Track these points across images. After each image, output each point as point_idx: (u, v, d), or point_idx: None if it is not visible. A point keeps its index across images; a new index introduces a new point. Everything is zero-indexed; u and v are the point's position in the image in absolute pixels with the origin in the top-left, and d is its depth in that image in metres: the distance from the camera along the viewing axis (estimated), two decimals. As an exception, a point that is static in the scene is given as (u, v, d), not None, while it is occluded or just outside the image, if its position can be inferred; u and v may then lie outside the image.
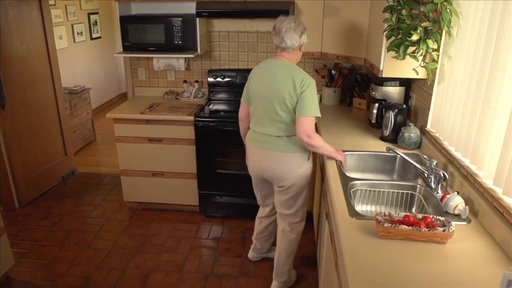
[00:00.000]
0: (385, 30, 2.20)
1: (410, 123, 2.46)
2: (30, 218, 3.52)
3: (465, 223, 1.62)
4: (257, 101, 2.32)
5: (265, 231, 2.81)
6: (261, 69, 2.34)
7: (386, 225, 1.48)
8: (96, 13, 6.51)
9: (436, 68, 2.20)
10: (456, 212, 1.66)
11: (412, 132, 2.39)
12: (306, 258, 2.98)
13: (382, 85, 2.71)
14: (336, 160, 2.24)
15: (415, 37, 2.04)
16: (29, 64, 3.70)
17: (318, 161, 2.94)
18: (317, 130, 2.88)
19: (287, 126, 2.27)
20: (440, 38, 2.09)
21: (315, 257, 2.98)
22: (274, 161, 2.33)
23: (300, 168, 2.34)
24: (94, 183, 4.20)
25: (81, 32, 6.12)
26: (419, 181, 2.02)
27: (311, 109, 2.18)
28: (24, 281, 2.74)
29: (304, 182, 2.39)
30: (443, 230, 1.45)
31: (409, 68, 2.27)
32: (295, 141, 2.28)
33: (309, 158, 2.38)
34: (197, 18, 3.25)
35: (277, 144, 2.30)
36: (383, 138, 2.59)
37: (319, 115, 2.20)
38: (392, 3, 2.12)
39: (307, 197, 2.50)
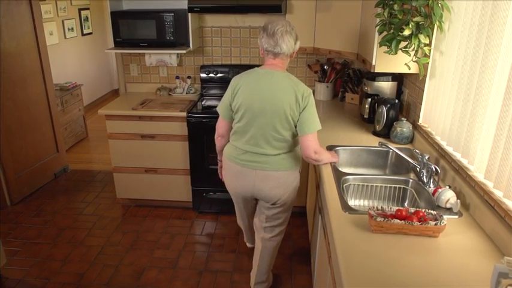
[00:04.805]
0: (377, 25, 2.20)
1: (403, 118, 2.47)
2: (22, 216, 3.49)
3: (457, 217, 1.63)
4: (249, 117, 2.03)
5: None
6: (252, 80, 2.03)
7: (378, 219, 1.49)
8: (87, 9, 6.45)
9: (427, 63, 2.21)
10: (448, 205, 1.67)
11: (404, 127, 2.40)
12: (300, 252, 2.99)
13: (374, 80, 2.72)
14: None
15: (407, 32, 2.04)
16: (19, 60, 3.66)
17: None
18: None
19: (286, 143, 2.07)
20: (432, 33, 2.10)
21: (308, 250, 2.99)
22: (271, 181, 2.12)
23: (294, 182, 2.20)
24: (86, 180, 4.17)
25: (72, 28, 6.06)
26: (412, 175, 2.03)
27: (316, 123, 2.01)
28: (16, 279, 2.72)
29: (296, 192, 2.26)
30: (435, 224, 1.46)
31: (401, 62, 2.28)
32: (293, 156, 2.13)
33: (300, 169, 2.26)
34: (189, 14, 3.22)
35: (275, 163, 2.09)
36: (375, 133, 2.60)
37: (320, 127, 2.04)
38: (384, -2, 2.12)
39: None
